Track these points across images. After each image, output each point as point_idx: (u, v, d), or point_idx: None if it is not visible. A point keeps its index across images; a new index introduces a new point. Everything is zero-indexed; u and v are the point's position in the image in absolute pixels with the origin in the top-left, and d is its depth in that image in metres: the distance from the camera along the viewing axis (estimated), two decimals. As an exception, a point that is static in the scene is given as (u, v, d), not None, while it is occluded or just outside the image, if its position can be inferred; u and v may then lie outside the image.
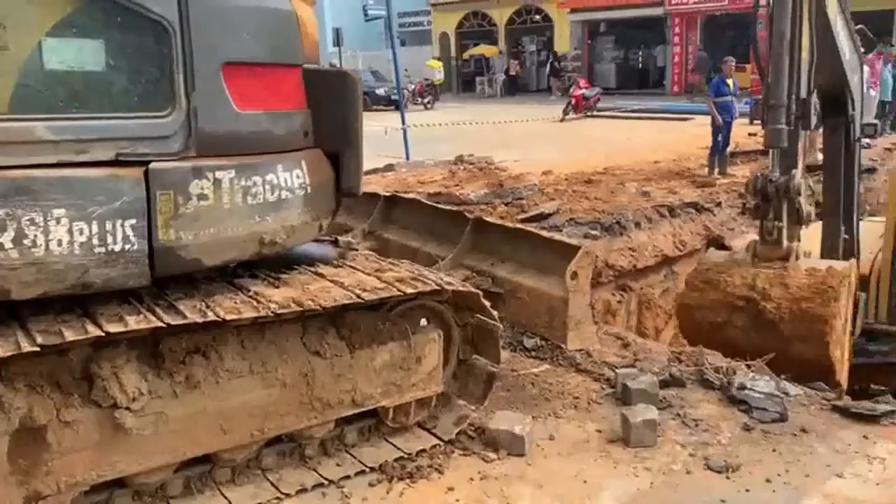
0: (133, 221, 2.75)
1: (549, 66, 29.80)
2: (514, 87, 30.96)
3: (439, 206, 5.67)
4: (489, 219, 5.26)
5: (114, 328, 2.71)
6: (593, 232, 9.14)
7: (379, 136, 16.02)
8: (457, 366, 3.89)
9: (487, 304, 3.69)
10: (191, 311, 2.89)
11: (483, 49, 32.01)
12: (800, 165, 4.58)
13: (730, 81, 12.04)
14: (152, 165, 2.81)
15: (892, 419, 4.02)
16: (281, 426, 3.23)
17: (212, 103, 2.94)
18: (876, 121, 12.42)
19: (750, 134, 15.50)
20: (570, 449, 3.71)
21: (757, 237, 4.89)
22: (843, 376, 5.16)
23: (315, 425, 3.33)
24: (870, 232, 7.91)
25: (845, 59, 5.50)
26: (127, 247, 2.76)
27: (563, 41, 29.94)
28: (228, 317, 2.89)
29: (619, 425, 3.81)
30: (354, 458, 3.47)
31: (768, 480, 3.41)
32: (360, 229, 5.63)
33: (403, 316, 3.56)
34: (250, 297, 3.10)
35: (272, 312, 2.95)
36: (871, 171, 12.95)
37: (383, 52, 26.07)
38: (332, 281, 3.32)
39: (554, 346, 4.74)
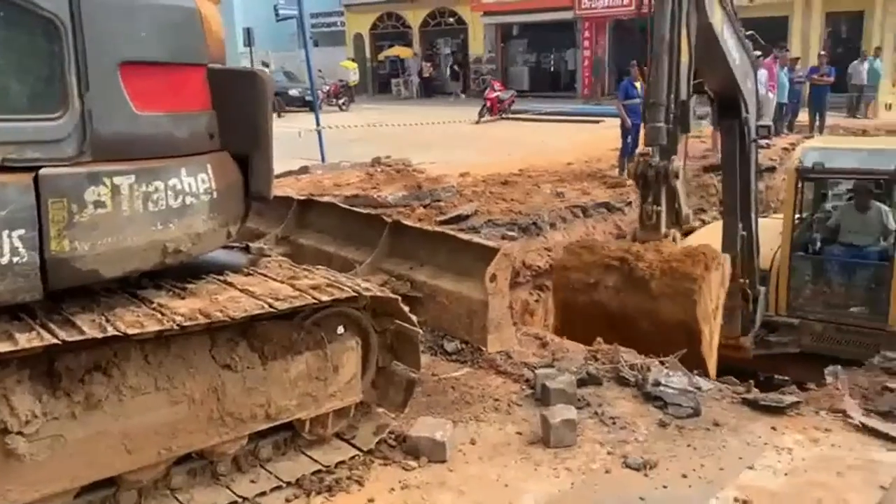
0: (22, 232, 2.55)
1: (449, 69, 30.10)
2: (430, 89, 31.04)
3: (355, 209, 5.55)
4: (407, 222, 5.20)
5: (2, 347, 2.51)
6: (511, 233, 9.23)
7: (293, 137, 15.71)
8: (376, 373, 3.80)
9: (406, 309, 3.63)
10: (89, 326, 2.71)
11: (398, 50, 31.94)
12: (680, 162, 4.69)
13: (637, 84, 12.36)
14: (42, 171, 2.61)
15: (797, 410, 4.18)
16: (190, 444, 3.07)
17: (108, 105, 2.76)
18: (769, 122, 13.02)
19: (658, 135, 16.01)
20: (492, 452, 3.69)
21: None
22: (711, 361, 5.28)
23: (227, 441, 3.18)
24: (770, 228, 8.28)
25: (735, 64, 5.69)
26: (16, 259, 2.56)
27: (478, 44, 30.21)
28: (130, 331, 2.72)
29: (539, 426, 3.82)
30: (270, 473, 3.34)
31: (684, 475, 3.47)
32: (272, 235, 5.46)
33: (319, 324, 3.45)
34: (154, 309, 2.93)
35: (177, 325, 2.80)
36: (771, 169, 13.59)
37: (296, 53, 25.59)
38: (242, 290, 3.19)
39: (474, 348, 4.73)
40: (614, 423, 3.98)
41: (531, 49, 30.24)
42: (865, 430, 3.94)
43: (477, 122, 21.15)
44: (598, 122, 19.07)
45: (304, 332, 3.36)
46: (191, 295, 3.10)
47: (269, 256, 3.95)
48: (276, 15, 19.90)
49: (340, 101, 26.16)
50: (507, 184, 11.51)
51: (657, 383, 4.32)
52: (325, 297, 3.24)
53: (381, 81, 33.79)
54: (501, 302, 4.06)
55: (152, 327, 2.78)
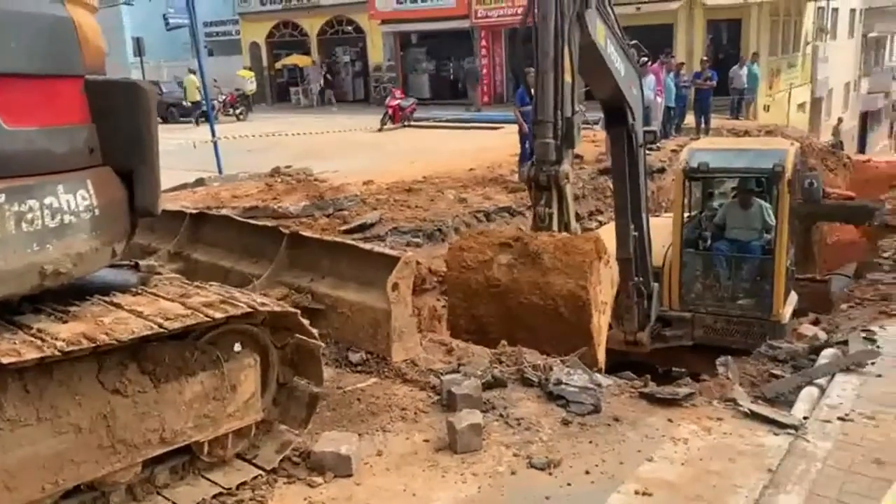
0: None
1: (322, 77, 29.98)
2: (331, 98, 30.76)
3: (252, 221, 5.42)
4: (306, 233, 5.11)
5: None
6: (416, 239, 9.25)
7: (188, 149, 15.25)
8: (277, 390, 3.71)
9: (306, 322, 3.56)
10: (-42, 357, 2.52)
11: (296, 59, 31.45)
12: (569, 167, 4.79)
13: (534, 91, 12.64)
14: None
15: (692, 401, 4.35)
16: (78, 476, 2.90)
17: (-27, 120, 2.59)
18: (655, 127, 13.56)
19: (556, 140, 16.42)
20: (399, 462, 3.66)
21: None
22: (601, 349, 5.40)
23: (119, 470, 3.03)
24: (662, 227, 8.62)
25: (620, 75, 5.88)
26: None
27: (377, 52, 30.14)
28: (5, 360, 2.55)
29: (445, 433, 3.82)
30: (167, 499, 3.20)
31: (587, 472, 3.55)
32: (165, 251, 5.25)
33: (214, 343, 3.33)
34: (33, 335, 2.76)
35: (59, 351, 2.65)
36: (662, 170, 14.18)
37: (190, 63, 24.83)
38: (130, 311, 3.04)
39: (380, 358, 4.69)
40: (519, 425, 4.03)
41: (430, 57, 30.43)
42: (754, 416, 4.15)
43: (379, 130, 21.10)
44: (497, 128, 19.37)
45: (198, 351, 3.24)
46: (74, 318, 2.94)
47: (161, 274, 3.79)
48: (167, 24, 19.25)
49: (238, 112, 25.55)
50: (410, 191, 11.52)
51: (559, 382, 4.41)
52: (218, 315, 3.14)
53: (279, 90, 33.22)
54: (404, 310, 4.05)
55: (31, 355, 2.61)
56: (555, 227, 4.68)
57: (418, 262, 8.94)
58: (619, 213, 6.91)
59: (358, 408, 4.25)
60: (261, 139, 17.67)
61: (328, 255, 4.51)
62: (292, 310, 3.50)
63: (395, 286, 3.98)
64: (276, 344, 3.63)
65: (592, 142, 14.81)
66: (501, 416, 4.13)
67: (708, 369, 6.28)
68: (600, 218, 11.70)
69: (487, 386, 4.41)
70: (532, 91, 12.45)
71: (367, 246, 4.79)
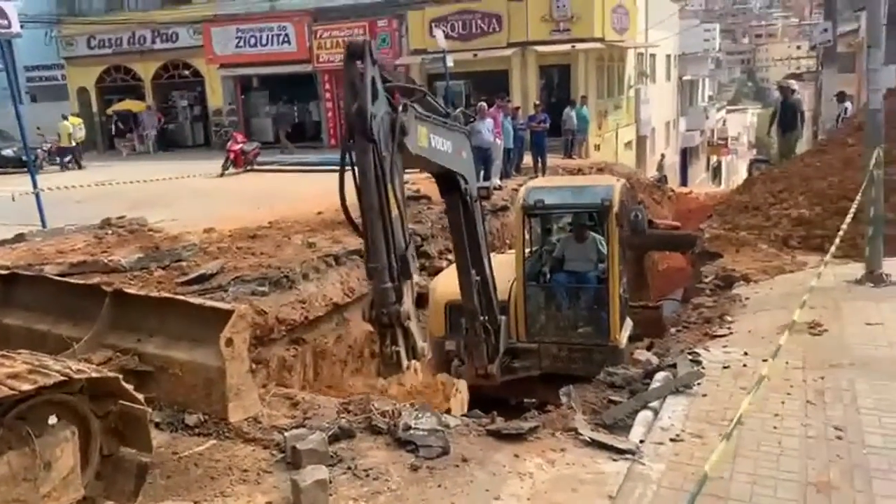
0: None
1: (115, 124, 29.15)
2: (169, 143, 29.52)
3: (70, 280, 5.02)
4: (131, 290, 4.78)
5: None
6: (261, 288, 8.92)
7: (6, 202, 14.04)
8: (101, 462, 3.41)
9: (131, 387, 3.31)
10: None
11: (129, 104, 29.99)
12: (410, 302, 4.75)
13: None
14: None
15: (536, 434, 4.45)
16: None
17: None
18: (487, 183, 13.96)
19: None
20: (240, 529, 3.47)
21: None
22: None
23: None
24: (507, 263, 8.88)
25: (448, 155, 5.91)
26: None
27: (217, 96, 29.34)
28: None
29: (290, 493, 3.66)
30: None
31: (436, 517, 3.52)
32: (-30, 318, 4.75)
33: (24, 417, 3.02)
34: None
35: None
36: (504, 209, 14.68)
37: (9, 109, 23.01)
38: (-84, 391, 2.70)
39: (219, 419, 4.45)
40: (367, 475, 3.94)
41: (273, 100, 30.06)
42: (594, 444, 4.30)
43: (221, 176, 20.43)
44: (347, 170, 19.28)
45: (3, 429, 2.92)
46: None
47: (-39, 345, 3.41)
48: (-22, 67, 17.72)
49: (65, 160, 23.91)
50: (255, 237, 11.17)
51: (408, 427, 4.37)
52: (26, 387, 2.85)
53: (111, 137, 31.49)
54: (240, 367, 3.86)
55: None
56: (403, 363, 4.63)
57: (264, 312, 8.69)
58: (461, 270, 6.98)
59: (195, 473, 4.00)
60: (90, 189, 16.58)
61: (156, 313, 4.23)
62: (113, 375, 3.25)
63: (230, 341, 3.79)
64: (98, 413, 3.35)
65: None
66: (349, 468, 4.03)
67: (557, 398, 6.48)
68: (450, 256, 11.89)
69: (335, 438, 4.30)
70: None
71: (198, 300, 4.55)
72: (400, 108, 4.75)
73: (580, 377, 7.04)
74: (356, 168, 4.48)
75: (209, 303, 4.43)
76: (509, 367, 8.50)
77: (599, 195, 8.58)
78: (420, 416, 4.54)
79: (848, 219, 7.88)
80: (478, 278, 6.96)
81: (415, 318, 4.73)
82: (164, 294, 5.12)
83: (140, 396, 3.34)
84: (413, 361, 4.74)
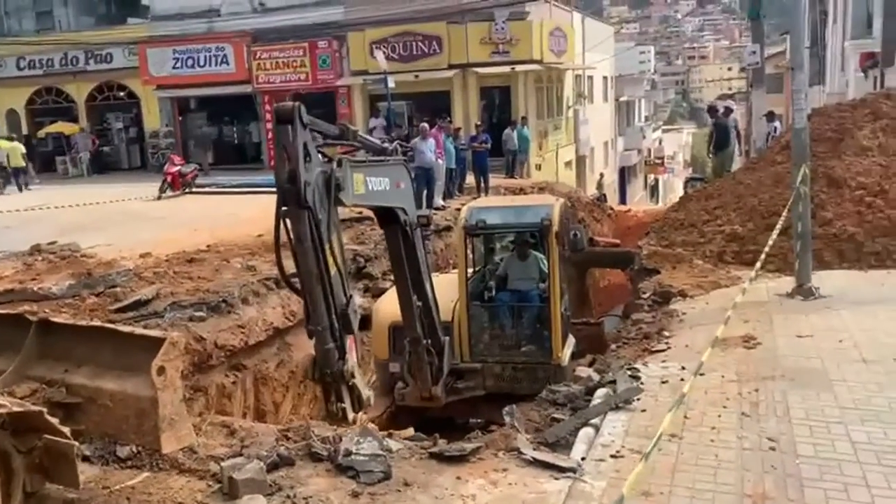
0: None
1: (92, 144, 28.44)
2: (103, 166, 28.75)
3: (-7, 310, 4.80)
4: (57, 318, 4.61)
5: None
6: (199, 313, 8.71)
7: (-75, 230, 13.45)
8: (24, 500, 3.25)
9: (56, 420, 3.18)
10: None
11: (62, 126, 29.10)
12: (353, 358, 4.73)
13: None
14: None
15: (479, 455, 4.43)
16: None
17: None
18: (427, 212, 13.97)
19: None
20: (173, 565, 3.34)
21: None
22: None
23: None
24: (450, 283, 8.88)
25: (386, 192, 5.83)
26: None
27: (153, 117, 28.73)
28: None
29: (226, 524, 3.56)
30: None
31: (377, 544, 3.46)
32: None
33: (-62, 456, 2.87)
34: None
35: None
36: (448, 229, 14.72)
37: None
38: None
39: (152, 450, 4.30)
40: (307, 504, 3.86)
41: (212, 122, 29.59)
42: (536, 463, 4.30)
43: (158, 199, 19.96)
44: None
45: (-85, 470, 2.76)
46: None
47: None
48: None
49: (20, 180, 23.08)
50: (193, 261, 10.92)
51: (348, 453, 4.30)
52: (-62, 425, 2.70)
53: (43, 160, 30.52)
54: (173, 396, 3.74)
55: None
56: (349, 417, 4.58)
57: (202, 338, 8.48)
58: (402, 298, 6.89)
59: (127, 508, 3.85)
60: (19, 214, 16.02)
61: (84, 342, 4.07)
62: (37, 409, 3.12)
63: (162, 370, 3.67)
64: (21, 448, 3.20)
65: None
66: (288, 496, 3.94)
67: (501, 417, 6.47)
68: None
69: (273, 466, 4.21)
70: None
71: (128, 328, 4.41)
72: (335, 163, 4.69)
73: (525, 396, 7.06)
74: (291, 235, 4.40)
75: (139, 331, 4.29)
76: (454, 388, 8.47)
77: (540, 215, 8.67)
78: (361, 441, 4.48)
79: (774, 234, 8.16)
80: (419, 304, 6.93)
81: (358, 372, 4.66)
82: (93, 322, 4.93)
83: (66, 430, 3.22)
84: (360, 414, 4.69)
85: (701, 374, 5.80)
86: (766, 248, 7.76)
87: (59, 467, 3.27)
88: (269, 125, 27.11)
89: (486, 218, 8.81)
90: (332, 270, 4.52)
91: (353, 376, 4.50)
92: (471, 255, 10.53)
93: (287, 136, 4.35)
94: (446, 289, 8.54)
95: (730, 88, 72.48)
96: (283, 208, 4.37)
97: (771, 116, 18.18)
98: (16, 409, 3.03)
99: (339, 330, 4.49)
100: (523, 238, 9.30)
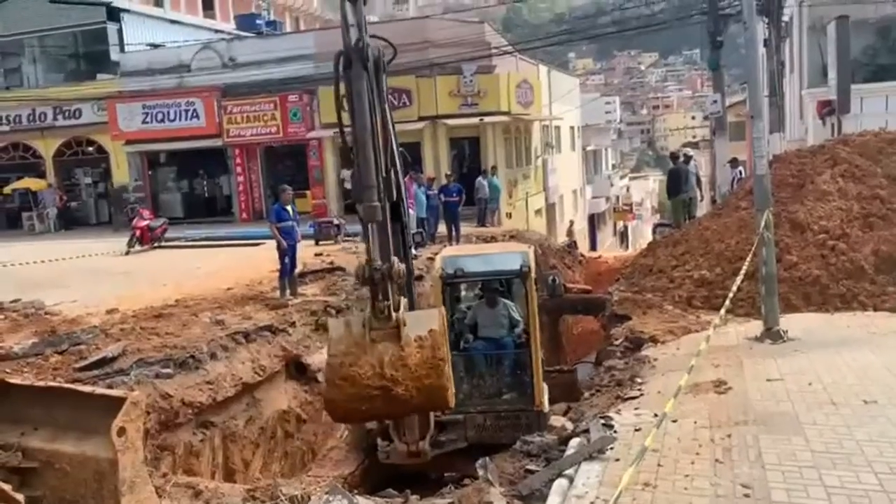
0: None
1: (59, 200, 28.20)
2: (71, 221, 28.44)
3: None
4: (14, 379, 4.48)
5: None
6: (165, 370, 8.54)
7: None
8: (-26, 574, 3.10)
9: (9, 487, 3.05)
10: None
11: (28, 182, 28.80)
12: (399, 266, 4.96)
13: (289, 208, 12.65)
14: None
15: (452, 511, 4.34)
16: None
17: None
18: (421, 230, 14.15)
19: (316, 254, 16.45)
20: None
21: (367, 312, 5.02)
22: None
23: None
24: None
25: (401, 169, 6.09)
26: None
27: (122, 172, 28.58)
28: None
29: (189, 592, 3.42)
30: None
31: None
32: None
33: None
34: None
35: None
36: (420, 278, 14.67)
37: None
38: None
39: (112, 514, 4.14)
40: (274, 568, 3.73)
41: (182, 175, 29.53)
42: (510, 517, 4.22)
43: (126, 254, 19.73)
44: (258, 244, 19.00)
45: None
46: None
47: None
48: None
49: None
50: (160, 317, 10.77)
51: (317, 513, 4.19)
52: None
53: (9, 216, 30.11)
54: (134, 457, 3.62)
55: None
56: (393, 317, 4.68)
57: (169, 395, 8.29)
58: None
59: (84, 578, 3.68)
60: (-17, 271, 15.71)
61: (41, 403, 3.95)
62: (-12, 476, 2.99)
63: (122, 431, 3.56)
64: (-30, 519, 3.06)
65: (354, 253, 15.08)
66: (255, 560, 3.80)
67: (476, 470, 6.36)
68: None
69: (239, 528, 4.07)
70: (288, 207, 12.54)
71: (88, 388, 4.29)
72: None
73: (506, 445, 6.93)
74: (352, 92, 4.74)
75: (99, 390, 4.18)
76: (437, 442, 8.32)
77: (517, 261, 8.67)
78: (331, 499, 4.37)
79: (739, 279, 8.25)
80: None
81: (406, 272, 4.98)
82: (50, 383, 4.80)
83: (20, 497, 3.08)
84: (401, 314, 4.72)
85: (673, 421, 5.79)
86: (731, 293, 7.84)
87: (12, 537, 3.13)
88: (241, 178, 27.17)
89: (463, 266, 8.81)
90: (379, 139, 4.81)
91: (400, 277, 4.61)
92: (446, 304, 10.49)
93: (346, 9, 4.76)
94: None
95: (693, 136, 74.23)
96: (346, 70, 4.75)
97: (734, 163, 18.62)
98: (-34, 477, 2.90)
99: (382, 193, 4.73)
100: (493, 285, 9.29)
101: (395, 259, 4.77)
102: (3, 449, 3.79)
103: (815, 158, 12.10)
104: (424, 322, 4.75)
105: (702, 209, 18.77)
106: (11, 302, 11.43)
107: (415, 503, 4.45)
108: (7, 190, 29.51)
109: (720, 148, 21.58)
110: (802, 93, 20.48)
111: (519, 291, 9.28)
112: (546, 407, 8.60)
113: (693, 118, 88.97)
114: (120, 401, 3.69)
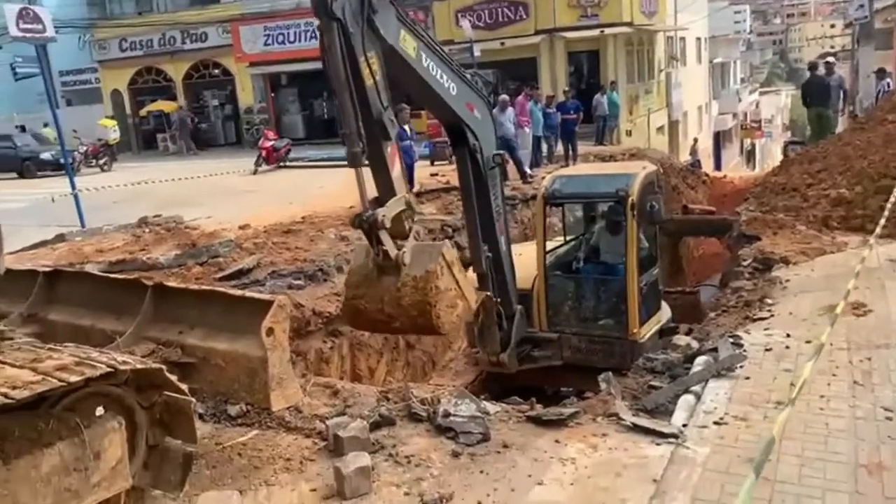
0: None
1: (190, 121, 29.33)
2: (202, 142, 29.88)
3: (111, 275, 5.09)
4: (171, 283, 4.84)
5: None
6: (297, 281, 9.00)
7: (46, 204, 14.34)
8: (147, 453, 3.47)
9: (174, 378, 3.35)
10: None
11: (161, 105, 30.37)
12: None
13: (406, 127, 12.75)
14: None
15: (577, 420, 4.42)
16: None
17: None
18: (503, 151, 13.84)
19: (432, 174, 16.59)
20: (285, 517, 3.50)
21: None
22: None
23: (-35, 563, 2.72)
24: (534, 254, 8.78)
25: (450, 94, 5.99)
26: None
27: (247, 94, 29.61)
28: None
29: (333, 480, 3.69)
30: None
31: (479, 503, 3.51)
32: (17, 314, 4.84)
33: (73, 409, 3.08)
34: None
35: None
36: (534, 198, 14.56)
37: (46, 114, 23.48)
38: (-31, 383, 2.76)
39: (261, 409, 4.50)
40: (409, 462, 3.95)
41: (303, 97, 30.22)
42: (636, 429, 4.25)
43: (254, 173, 20.62)
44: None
45: (53, 420, 2.98)
46: None
47: (12, 339, 3.49)
48: (15, 74, 18.08)
49: (101, 162, 24.33)
50: (289, 232, 11.26)
51: (447, 414, 4.37)
52: (74, 378, 2.90)
53: (145, 138, 31.98)
54: (282, 356, 3.88)
55: None
56: (391, 255, 4.76)
57: (301, 305, 8.75)
58: (470, 233, 7.04)
59: (239, 463, 4.04)
60: (127, 189, 16.87)
61: (197, 305, 4.27)
62: (157, 366, 3.29)
63: (270, 331, 3.81)
64: (143, 404, 3.40)
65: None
66: (391, 455, 4.04)
67: (585, 385, 6.39)
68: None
69: (375, 426, 4.32)
70: (406, 127, 12.65)
71: (238, 292, 4.59)
72: None
73: (601, 369, 6.89)
74: (326, 44, 4.66)
75: (249, 294, 4.47)
76: (529, 356, 8.40)
77: (616, 185, 8.35)
78: (459, 402, 4.54)
79: (893, 198, 7.69)
80: (489, 255, 6.94)
81: (406, 210, 4.91)
82: (205, 287, 5.16)
83: (184, 387, 3.39)
84: (401, 251, 4.81)
85: (807, 342, 5.58)
86: (886, 213, 7.29)
87: (178, 423, 3.45)
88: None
89: (565, 188, 8.64)
90: (369, 82, 4.75)
91: (383, 227, 4.66)
92: (560, 225, 10.37)
93: None
94: (531, 259, 8.49)
95: (832, 46, 68.32)
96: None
97: (882, 73, 17.06)
98: (139, 366, 3.21)
99: (365, 138, 4.64)
100: (615, 209, 9.03)
101: (379, 211, 4.71)
102: (165, 345, 4.16)
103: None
104: (425, 261, 4.76)
105: (840, 125, 17.43)
106: (154, 217, 12.24)
107: (540, 410, 4.56)
108: (143, 112, 31.23)
109: (864, 58, 19.83)
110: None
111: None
112: (644, 337, 8.31)
113: (832, 26, 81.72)
114: (267, 304, 3.94)
